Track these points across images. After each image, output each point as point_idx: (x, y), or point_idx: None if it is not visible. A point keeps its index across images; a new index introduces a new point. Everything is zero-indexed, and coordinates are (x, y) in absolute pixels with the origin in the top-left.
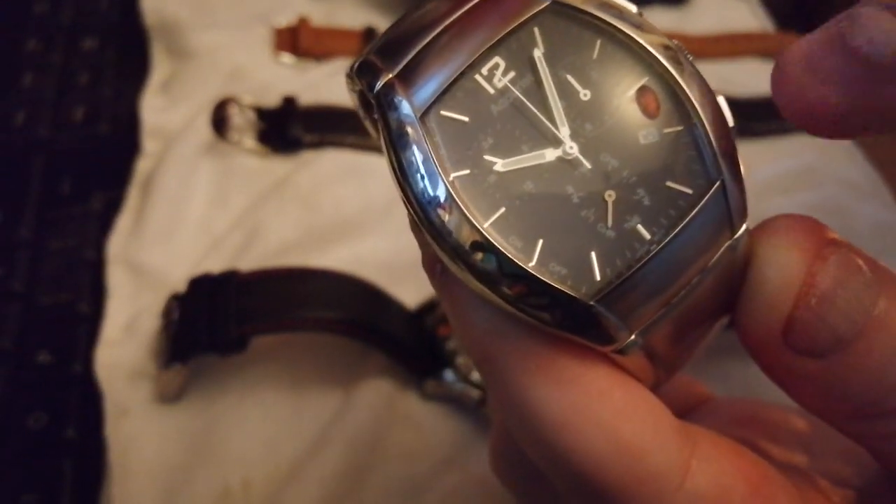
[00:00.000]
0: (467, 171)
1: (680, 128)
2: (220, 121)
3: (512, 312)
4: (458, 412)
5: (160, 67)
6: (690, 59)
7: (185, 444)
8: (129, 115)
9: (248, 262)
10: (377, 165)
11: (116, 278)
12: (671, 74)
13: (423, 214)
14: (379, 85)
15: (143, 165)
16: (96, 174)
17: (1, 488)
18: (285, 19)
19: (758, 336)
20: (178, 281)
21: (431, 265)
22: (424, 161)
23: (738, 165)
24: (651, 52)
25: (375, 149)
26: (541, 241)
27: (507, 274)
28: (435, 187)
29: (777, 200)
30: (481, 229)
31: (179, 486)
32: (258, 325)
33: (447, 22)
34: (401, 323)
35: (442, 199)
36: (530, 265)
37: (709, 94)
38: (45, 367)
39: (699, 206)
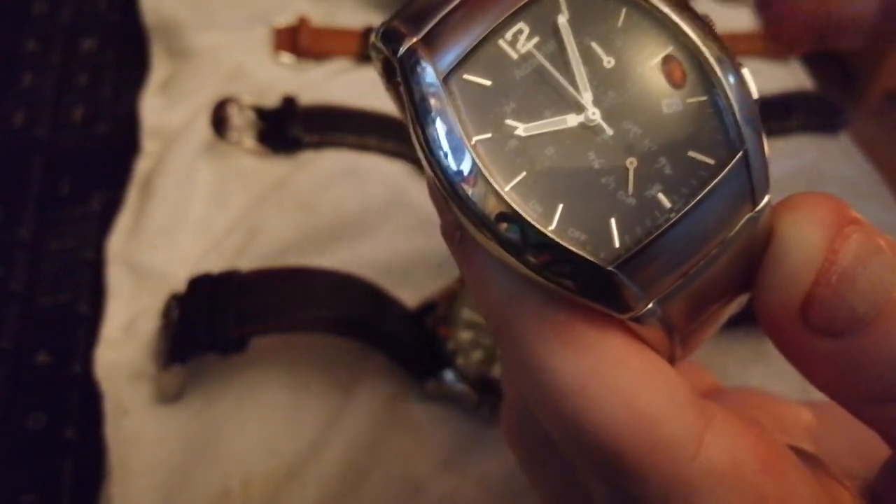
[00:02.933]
0: (489, 135)
1: (704, 98)
2: (219, 121)
3: (532, 278)
4: (458, 413)
5: (160, 67)
6: (716, 29)
7: (185, 444)
8: (128, 116)
9: (248, 263)
10: (377, 166)
11: (116, 278)
12: (696, 45)
13: (448, 186)
14: (403, 49)
15: (142, 166)
16: (95, 174)
17: (1, 488)
18: (285, 19)
19: (776, 313)
20: (177, 281)
21: (450, 232)
22: (449, 133)
23: (762, 137)
24: (677, 22)
25: (375, 149)
26: (560, 207)
27: (528, 240)
28: (460, 160)
29: (776, 201)
30: (502, 193)
31: (179, 486)
32: (258, 326)
33: None
34: (400, 323)
35: (466, 172)
36: (549, 229)
37: (734, 66)
38: (44, 367)
39: (720, 176)
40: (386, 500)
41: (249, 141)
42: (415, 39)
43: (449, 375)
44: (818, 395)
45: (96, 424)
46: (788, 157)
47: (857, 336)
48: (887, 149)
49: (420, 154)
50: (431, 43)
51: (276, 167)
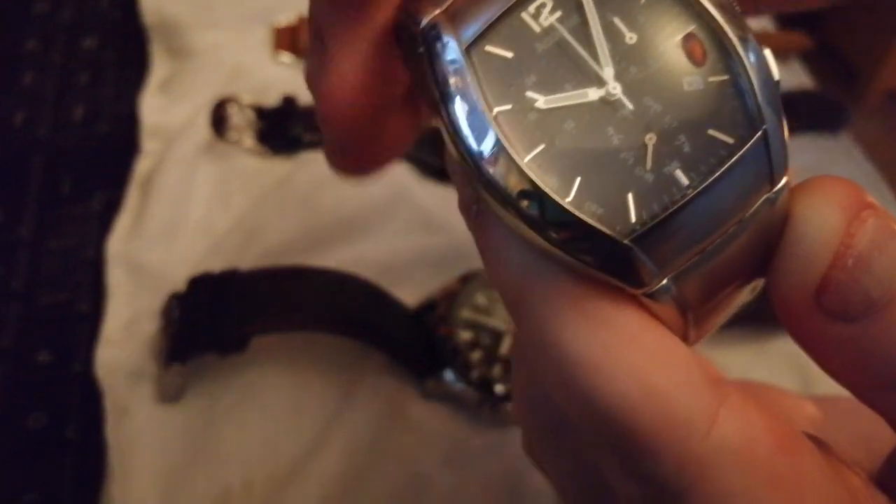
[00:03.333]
0: (509, 107)
1: (725, 77)
2: (219, 120)
3: (549, 251)
4: (458, 412)
5: (160, 67)
6: (739, 10)
7: (186, 443)
8: (128, 115)
9: (248, 262)
10: None
11: (116, 278)
12: (719, 24)
13: (471, 161)
14: (425, 21)
15: (142, 165)
16: (96, 174)
17: (1, 488)
18: (285, 19)
19: (791, 296)
20: (177, 281)
21: (467, 207)
22: (472, 108)
23: (782, 119)
24: (701, 1)
25: None
26: (578, 180)
27: (546, 213)
28: (483, 135)
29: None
30: (521, 165)
31: (180, 485)
32: (258, 325)
33: None
34: (401, 322)
35: (489, 147)
36: (567, 201)
37: (756, 47)
38: (44, 366)
39: (739, 155)
40: (386, 499)
41: (249, 140)
42: (437, 12)
43: (449, 375)
44: (819, 394)
45: (97, 424)
46: (789, 157)
47: (871, 320)
48: (888, 148)
49: (442, 128)
50: (454, 16)
51: (277, 167)
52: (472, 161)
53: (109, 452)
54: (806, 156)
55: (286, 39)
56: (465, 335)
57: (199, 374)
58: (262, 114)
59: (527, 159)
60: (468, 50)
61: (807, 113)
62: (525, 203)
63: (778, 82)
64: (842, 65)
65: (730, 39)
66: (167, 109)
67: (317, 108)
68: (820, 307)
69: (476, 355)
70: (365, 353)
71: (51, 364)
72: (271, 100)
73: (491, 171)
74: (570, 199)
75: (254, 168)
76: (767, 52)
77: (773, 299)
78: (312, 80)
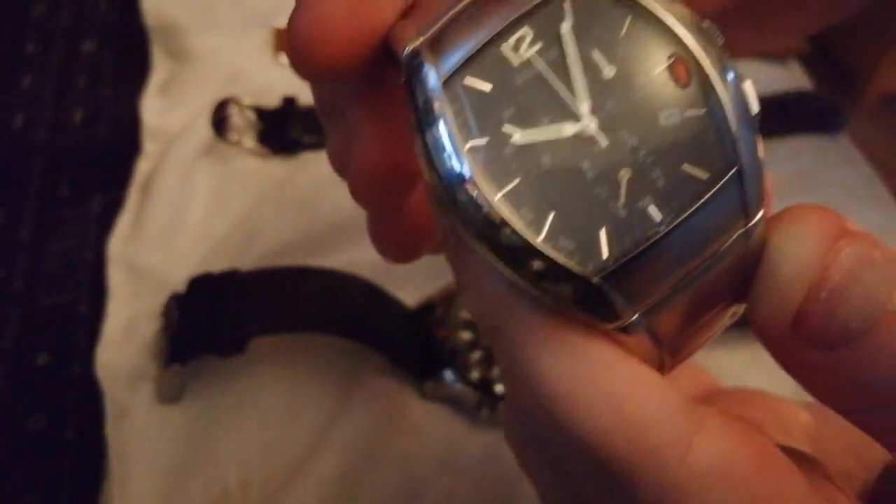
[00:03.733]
0: (485, 140)
1: (702, 111)
2: (220, 121)
3: (521, 285)
4: (457, 414)
5: (160, 69)
6: (721, 41)
7: (185, 444)
8: (128, 117)
9: (248, 264)
10: None
11: (116, 279)
12: (699, 56)
13: (444, 191)
14: (408, 49)
15: (143, 167)
16: (95, 176)
17: (1, 489)
18: (285, 20)
19: (768, 326)
20: (177, 282)
21: (446, 236)
22: (447, 138)
23: (759, 153)
24: (680, 33)
25: None
26: (552, 215)
27: (517, 249)
28: (457, 166)
29: (774, 203)
30: (493, 201)
31: (178, 486)
32: (257, 326)
33: None
34: (400, 323)
35: (462, 178)
36: (539, 239)
37: (735, 79)
38: (44, 368)
39: (713, 191)
40: (385, 500)
41: (250, 141)
42: (419, 41)
43: (448, 376)
44: (813, 399)
45: (96, 425)
46: (786, 159)
47: (850, 349)
48: (886, 150)
49: (419, 156)
50: (435, 45)
51: (277, 168)
52: (446, 193)
53: (109, 453)
54: (804, 158)
55: (286, 41)
56: (465, 336)
57: (198, 376)
58: (262, 115)
59: (501, 194)
60: (448, 81)
61: (805, 115)
62: (497, 238)
63: (757, 115)
64: (839, 67)
65: (709, 73)
66: (167, 111)
67: (349, 188)
68: (798, 337)
69: (475, 356)
70: (364, 355)
71: (50, 365)
72: (271, 101)
73: (464, 204)
74: (542, 235)
75: (253, 170)
76: (748, 85)
77: (753, 327)
78: (337, 162)
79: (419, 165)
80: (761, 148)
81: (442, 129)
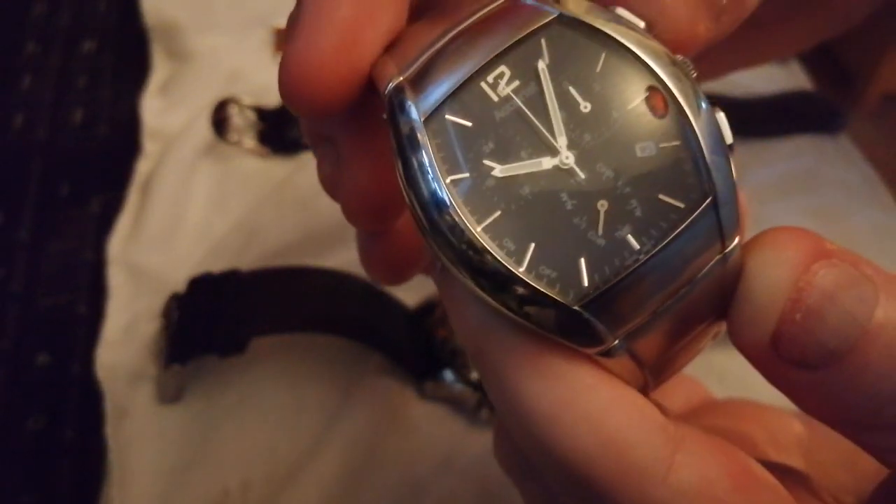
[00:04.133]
0: (466, 175)
1: (677, 143)
2: (220, 121)
3: (503, 313)
4: (457, 413)
5: (160, 69)
6: (694, 75)
7: (184, 445)
8: (127, 118)
9: (248, 264)
10: None
11: (116, 279)
12: (673, 90)
13: (426, 222)
14: (390, 86)
15: (142, 167)
16: (95, 176)
17: (0, 489)
18: (285, 20)
19: (749, 347)
20: (177, 282)
21: (432, 263)
22: (428, 172)
23: (733, 182)
24: (654, 68)
25: None
26: (532, 246)
27: (498, 278)
28: (437, 198)
29: (774, 204)
30: (475, 232)
31: (178, 486)
32: (257, 327)
33: (459, 29)
34: (400, 324)
35: (442, 205)
36: (521, 269)
37: (708, 111)
38: (44, 368)
39: (689, 219)
40: (385, 501)
41: (250, 142)
42: (401, 78)
43: (448, 376)
44: None
45: (96, 425)
46: (786, 159)
47: (832, 368)
48: (885, 150)
49: (401, 187)
50: (416, 82)
51: (277, 168)
52: (427, 225)
53: (108, 453)
54: (804, 158)
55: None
56: None
57: (198, 376)
58: (262, 115)
59: (482, 226)
60: (429, 118)
61: (805, 115)
62: (475, 263)
63: (731, 145)
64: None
65: (683, 106)
66: (167, 111)
67: (342, 210)
68: (778, 356)
69: None
70: (364, 355)
71: (50, 366)
72: (271, 101)
73: (445, 235)
74: (524, 265)
75: (253, 170)
76: (721, 116)
77: (736, 347)
78: (329, 186)
79: (402, 193)
80: (735, 176)
81: (424, 160)
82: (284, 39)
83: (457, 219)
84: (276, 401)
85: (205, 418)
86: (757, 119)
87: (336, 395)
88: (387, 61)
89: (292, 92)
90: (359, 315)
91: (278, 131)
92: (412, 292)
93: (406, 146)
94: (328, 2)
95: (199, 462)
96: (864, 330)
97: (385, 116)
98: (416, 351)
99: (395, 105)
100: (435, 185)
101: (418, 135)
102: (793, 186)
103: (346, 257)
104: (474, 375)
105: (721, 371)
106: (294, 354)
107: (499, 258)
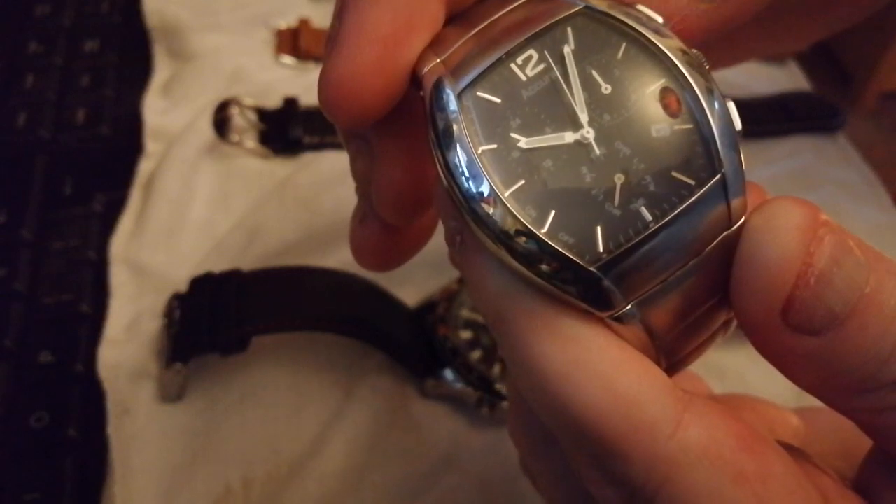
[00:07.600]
0: (494, 146)
1: (690, 126)
2: (221, 121)
3: (524, 275)
4: (458, 412)
5: (162, 69)
6: (707, 66)
7: (187, 443)
8: (129, 117)
9: (249, 263)
10: None
11: (118, 278)
12: (687, 78)
13: (455, 185)
14: (426, 68)
15: (145, 166)
16: (97, 175)
17: (3, 487)
18: (286, 21)
19: (757, 317)
20: (179, 281)
21: (451, 238)
22: (468, 158)
23: (741, 163)
24: (671, 57)
25: None
26: (553, 213)
27: (520, 238)
28: (478, 182)
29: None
30: (502, 197)
31: (180, 484)
32: (259, 325)
33: (491, 19)
34: (401, 322)
35: (482, 193)
36: (542, 231)
37: (720, 99)
38: (46, 366)
39: (699, 194)
40: (386, 498)
41: (251, 142)
42: (437, 60)
43: (449, 374)
44: (808, 398)
45: (98, 423)
46: (785, 158)
47: (834, 332)
48: (884, 149)
49: (440, 174)
50: (452, 64)
51: (278, 168)
52: (461, 196)
53: (111, 452)
54: (803, 157)
55: (287, 41)
56: (465, 335)
57: (200, 374)
58: (263, 115)
59: (507, 193)
60: (462, 94)
61: (804, 115)
62: (503, 230)
63: (739, 131)
64: (837, 67)
65: (696, 92)
66: (169, 111)
67: (375, 205)
68: (786, 324)
69: (476, 355)
70: (365, 353)
71: (53, 364)
72: (273, 102)
73: (478, 204)
74: (545, 229)
75: (255, 169)
76: (731, 104)
77: (739, 320)
78: (362, 182)
79: (438, 178)
80: (743, 159)
81: (457, 140)
82: (323, 53)
83: (485, 185)
84: (277, 399)
85: (207, 416)
86: (756, 119)
87: (337, 393)
88: (427, 54)
89: (334, 106)
90: (360, 314)
91: (279, 132)
92: (413, 291)
93: (441, 122)
94: (370, 19)
95: (202, 460)
96: (861, 293)
97: (421, 93)
98: (417, 349)
99: (431, 84)
100: (470, 158)
101: (453, 111)
102: (791, 186)
103: (347, 256)
104: (475, 374)
105: (721, 369)
106: (296, 353)
107: (523, 220)
